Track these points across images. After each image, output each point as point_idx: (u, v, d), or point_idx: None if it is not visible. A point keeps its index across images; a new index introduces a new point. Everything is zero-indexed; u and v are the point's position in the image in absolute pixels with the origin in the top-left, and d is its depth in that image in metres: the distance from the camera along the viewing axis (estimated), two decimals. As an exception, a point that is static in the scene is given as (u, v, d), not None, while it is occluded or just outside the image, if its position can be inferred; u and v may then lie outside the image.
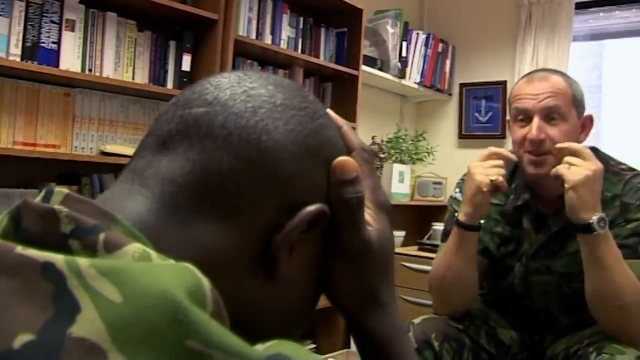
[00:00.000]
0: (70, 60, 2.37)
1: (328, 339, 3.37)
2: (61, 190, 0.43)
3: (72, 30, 2.38)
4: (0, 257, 0.37)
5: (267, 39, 3.07)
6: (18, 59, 2.21)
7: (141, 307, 0.34)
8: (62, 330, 0.33)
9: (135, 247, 0.39)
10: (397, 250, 3.48)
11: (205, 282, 0.38)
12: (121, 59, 2.56)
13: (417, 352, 1.72)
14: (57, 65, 2.32)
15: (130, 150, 2.54)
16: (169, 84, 2.71)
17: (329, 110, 0.59)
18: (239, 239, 0.48)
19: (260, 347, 0.38)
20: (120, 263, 0.37)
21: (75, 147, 2.47)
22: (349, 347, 3.33)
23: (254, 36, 3.00)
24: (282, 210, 0.49)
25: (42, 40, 2.29)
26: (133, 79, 2.60)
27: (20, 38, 2.23)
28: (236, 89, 0.52)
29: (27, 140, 2.32)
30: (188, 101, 0.52)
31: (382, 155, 3.73)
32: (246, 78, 0.54)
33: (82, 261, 0.36)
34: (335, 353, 3.20)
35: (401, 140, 3.94)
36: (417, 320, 1.76)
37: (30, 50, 2.25)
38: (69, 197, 0.43)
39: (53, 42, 2.31)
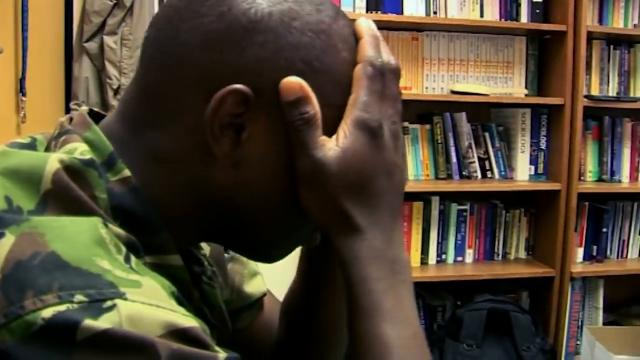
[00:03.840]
0: (414, 6, 2.54)
1: None
2: (84, 107, 0.59)
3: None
4: None
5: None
6: (364, 11, 2.48)
7: None
8: None
9: (71, 146, 0.53)
10: None
11: (49, 167, 0.49)
12: (466, -1, 2.62)
13: None
14: (401, 12, 2.52)
15: (481, 88, 2.59)
16: (523, 18, 2.66)
17: (361, 19, 0.58)
18: (182, 137, 0.54)
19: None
20: (15, 152, 0.53)
21: (426, 87, 2.64)
22: None
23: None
24: (206, 101, 0.52)
25: (385, -9, 2.51)
26: (481, 16, 2.63)
27: (364, -9, 2.49)
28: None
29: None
30: None
31: None
32: None
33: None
34: None
35: None
36: None
37: (375, 1, 2.49)
38: (79, 112, 0.57)
39: (396, -9, 2.52)
